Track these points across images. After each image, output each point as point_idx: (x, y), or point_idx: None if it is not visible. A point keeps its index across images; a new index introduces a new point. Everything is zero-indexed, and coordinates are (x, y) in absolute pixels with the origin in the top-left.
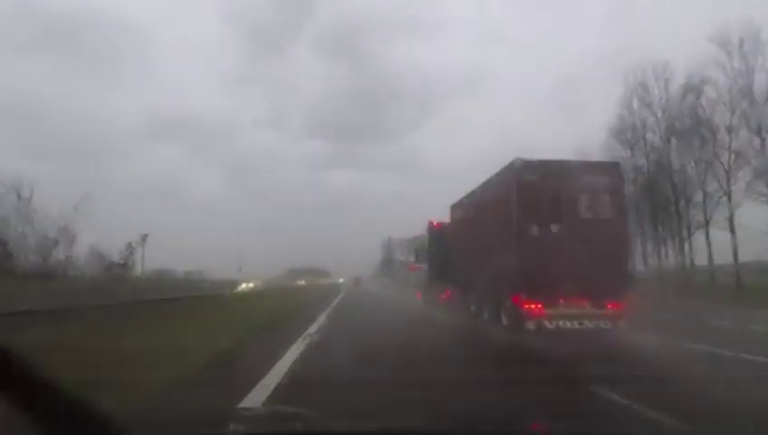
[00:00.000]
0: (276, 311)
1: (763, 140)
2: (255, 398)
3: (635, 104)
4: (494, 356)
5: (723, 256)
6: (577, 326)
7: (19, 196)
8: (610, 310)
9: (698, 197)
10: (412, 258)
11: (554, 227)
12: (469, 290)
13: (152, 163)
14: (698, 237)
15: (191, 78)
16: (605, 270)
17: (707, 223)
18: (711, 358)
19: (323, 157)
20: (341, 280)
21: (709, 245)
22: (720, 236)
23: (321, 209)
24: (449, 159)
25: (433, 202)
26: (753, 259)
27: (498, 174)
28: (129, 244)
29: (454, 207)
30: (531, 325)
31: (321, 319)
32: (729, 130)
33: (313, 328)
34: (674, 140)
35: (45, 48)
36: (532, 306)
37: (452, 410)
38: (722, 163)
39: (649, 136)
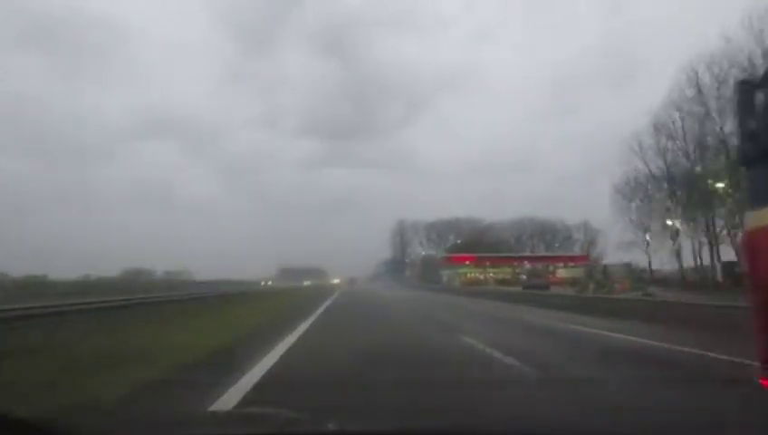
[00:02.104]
0: None
1: None
2: None
3: None
4: None
5: None
6: None
7: None
8: None
9: None
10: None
11: None
12: None
13: (143, 163)
14: None
15: (180, 77)
16: None
17: None
18: None
19: (316, 156)
20: (336, 280)
21: None
22: None
23: (317, 209)
24: (444, 158)
25: (431, 200)
26: None
27: None
28: None
29: None
30: None
31: None
32: None
33: None
34: None
35: (32, 47)
36: None
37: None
38: None
39: None
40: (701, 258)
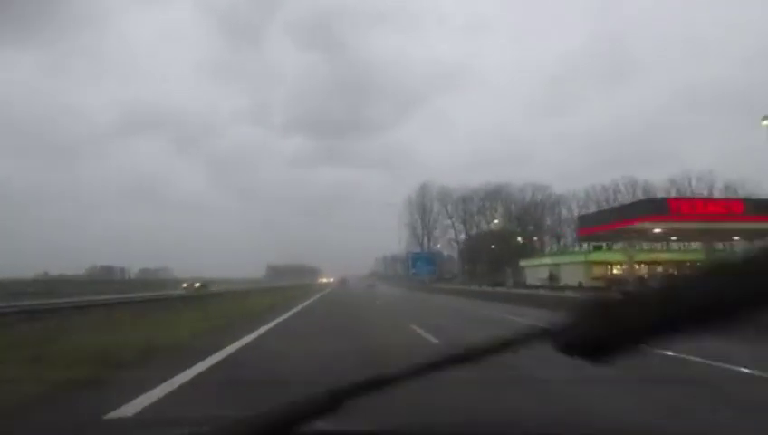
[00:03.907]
0: None
1: None
2: None
3: None
4: None
5: None
6: None
7: None
8: None
9: None
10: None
11: None
12: None
13: (127, 160)
14: None
15: (165, 72)
16: None
17: None
18: None
19: (309, 152)
20: (326, 280)
21: None
22: None
23: (312, 206)
24: (437, 156)
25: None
26: None
27: None
28: None
29: None
30: None
31: None
32: None
33: None
34: None
35: (11, 40)
36: None
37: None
38: None
39: None
40: None
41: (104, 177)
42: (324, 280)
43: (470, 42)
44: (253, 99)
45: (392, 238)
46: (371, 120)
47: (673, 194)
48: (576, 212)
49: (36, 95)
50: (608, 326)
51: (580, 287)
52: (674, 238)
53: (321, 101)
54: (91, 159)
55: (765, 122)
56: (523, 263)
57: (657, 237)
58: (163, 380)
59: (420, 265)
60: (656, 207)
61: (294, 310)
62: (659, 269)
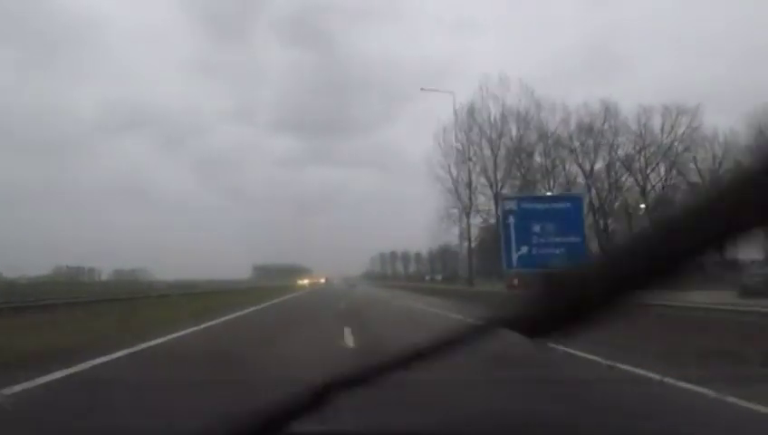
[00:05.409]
0: None
1: None
2: None
3: None
4: None
5: None
6: None
7: None
8: None
9: None
10: None
11: None
12: None
13: (108, 158)
14: None
15: (150, 68)
16: None
17: None
18: None
19: (299, 152)
20: (313, 280)
21: None
22: None
23: (300, 206)
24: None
25: (420, 200)
26: None
27: None
28: None
29: None
30: None
31: None
32: None
33: None
34: None
35: None
36: None
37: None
38: None
39: None
40: None
41: (85, 175)
42: (306, 281)
43: (460, 39)
44: (238, 97)
45: (390, 233)
46: (361, 118)
47: None
48: (719, 153)
49: (11, 92)
50: (559, 304)
51: None
52: None
53: (308, 100)
54: (70, 157)
55: None
56: None
57: None
58: None
59: (549, 231)
60: None
61: None
62: None
